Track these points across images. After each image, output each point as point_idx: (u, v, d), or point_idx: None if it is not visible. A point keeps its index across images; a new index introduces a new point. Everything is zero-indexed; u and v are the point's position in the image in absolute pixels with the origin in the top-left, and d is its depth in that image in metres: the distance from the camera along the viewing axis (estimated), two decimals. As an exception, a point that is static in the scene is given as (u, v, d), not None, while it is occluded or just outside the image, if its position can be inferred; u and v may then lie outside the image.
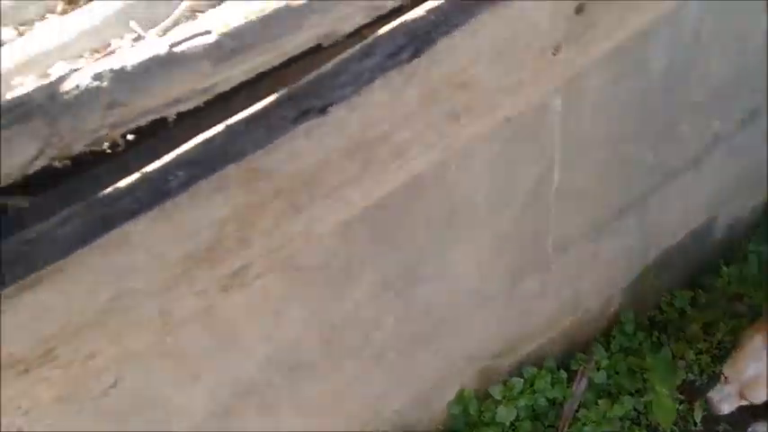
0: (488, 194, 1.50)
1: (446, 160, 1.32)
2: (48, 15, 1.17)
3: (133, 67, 0.93)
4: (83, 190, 0.97)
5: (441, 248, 1.54)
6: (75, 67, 1.06)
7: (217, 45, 0.96)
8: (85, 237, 0.91)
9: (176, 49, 0.94)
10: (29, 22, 1.16)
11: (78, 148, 0.92)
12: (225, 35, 0.96)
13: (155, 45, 0.95)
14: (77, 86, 0.91)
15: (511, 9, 1.09)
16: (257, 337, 1.36)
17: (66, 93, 0.90)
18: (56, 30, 1.11)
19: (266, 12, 0.98)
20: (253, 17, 0.98)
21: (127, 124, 0.94)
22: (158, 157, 0.98)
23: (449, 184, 1.40)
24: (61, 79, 0.92)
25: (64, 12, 1.17)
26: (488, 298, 1.76)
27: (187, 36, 0.95)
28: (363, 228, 1.34)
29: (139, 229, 0.94)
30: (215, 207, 0.99)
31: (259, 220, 1.07)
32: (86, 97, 0.91)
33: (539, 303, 1.91)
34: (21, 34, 1.14)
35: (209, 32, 0.96)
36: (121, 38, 1.10)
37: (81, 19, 1.12)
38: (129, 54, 0.94)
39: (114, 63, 0.93)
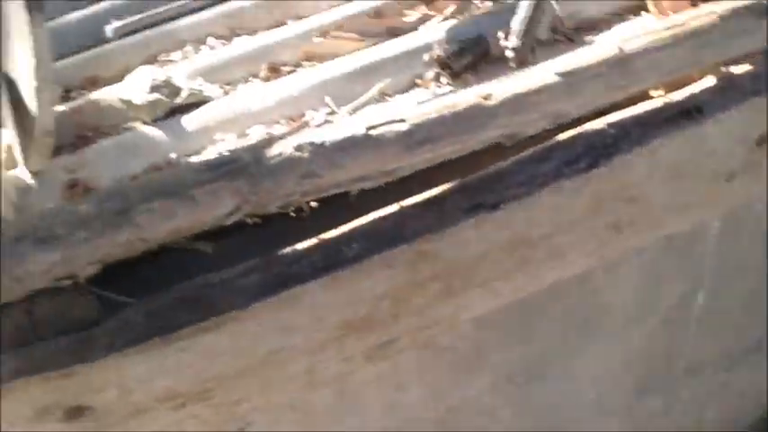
0: (629, 306, 1.47)
1: (596, 267, 1.31)
2: (251, 79, 1.29)
3: (332, 143, 1.00)
4: (264, 246, 1.04)
5: (570, 351, 1.52)
6: (272, 132, 1.16)
7: (408, 134, 1.02)
8: (263, 291, 0.98)
9: (372, 132, 1.01)
10: (233, 83, 1.29)
11: (271, 209, 1.00)
12: (417, 126, 1.02)
13: (352, 125, 1.02)
14: (281, 154, 0.99)
15: (693, 134, 1.10)
16: (379, 407, 1.38)
17: (270, 158, 0.99)
18: (257, 94, 1.22)
19: (458, 108, 1.04)
20: (445, 111, 1.04)
21: (316, 193, 1.01)
22: (336, 226, 1.05)
23: (591, 290, 1.39)
24: (266, 144, 1.01)
25: (266, 78, 1.29)
26: (608, 409, 1.70)
27: (383, 121, 1.02)
28: (499, 318, 1.35)
29: (310, 291, 1.00)
30: (380, 281, 1.04)
31: (414, 299, 1.10)
32: (287, 165, 0.98)
33: (658, 424, 1.83)
34: (225, 93, 1.26)
35: (403, 121, 1.03)
36: (316, 110, 1.20)
37: (281, 88, 1.23)
38: (328, 130, 1.02)
39: (315, 137, 1.00)
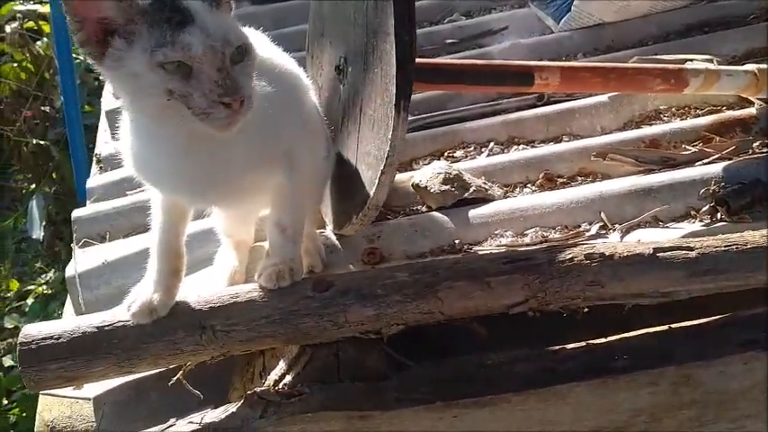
0: None
1: None
2: (528, 185, 1.42)
3: (620, 258, 1.08)
4: (533, 338, 1.13)
5: None
6: (548, 236, 1.27)
7: (695, 262, 1.08)
8: (534, 381, 1.06)
9: (660, 255, 1.08)
10: (511, 185, 1.42)
11: (553, 306, 1.09)
12: (705, 256, 1.08)
13: (641, 246, 1.10)
14: (572, 259, 1.09)
15: None
16: None
17: (562, 262, 1.09)
18: (536, 200, 1.34)
19: (747, 246, 1.08)
20: (733, 247, 1.09)
21: (595, 301, 1.09)
22: (605, 334, 1.12)
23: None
24: (557, 249, 1.11)
25: (541, 186, 1.41)
26: None
27: (671, 246, 1.09)
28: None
29: (577, 391, 1.06)
30: (642, 396, 1.08)
31: (666, 420, 1.13)
32: (576, 270, 1.08)
33: None
34: (505, 194, 1.39)
35: (690, 249, 1.09)
36: (590, 223, 1.29)
37: (558, 197, 1.34)
38: (617, 246, 1.11)
39: (605, 250, 1.09)
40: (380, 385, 1.07)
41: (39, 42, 3.54)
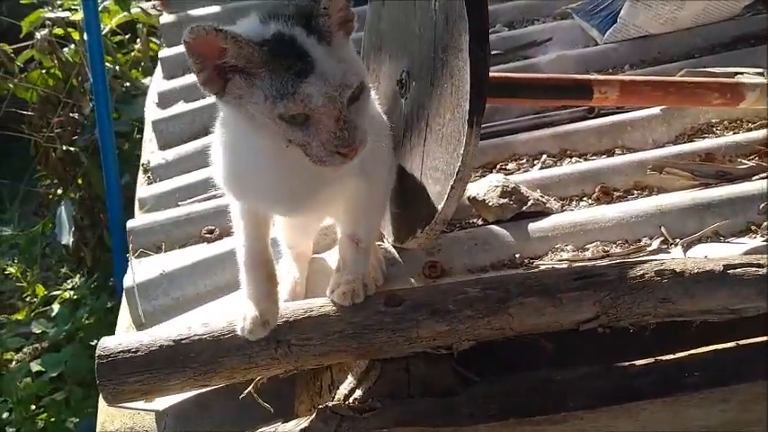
0: None
1: None
2: (584, 198, 1.42)
3: (690, 275, 1.09)
4: (600, 354, 1.13)
5: None
6: (609, 250, 1.27)
7: (766, 279, 1.08)
8: (605, 397, 1.06)
9: (730, 272, 1.08)
10: (567, 199, 1.42)
11: (623, 323, 1.09)
12: (776, 273, 1.08)
13: (711, 262, 1.10)
14: (642, 276, 1.09)
15: None
16: None
17: (633, 278, 1.09)
18: (595, 213, 1.34)
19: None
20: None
21: (665, 317, 1.10)
22: (674, 350, 1.12)
23: None
24: (628, 265, 1.12)
25: (597, 199, 1.41)
26: None
27: (742, 263, 1.09)
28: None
29: (648, 408, 1.06)
30: (713, 414, 1.08)
31: (733, 437, 1.13)
32: (647, 287, 1.08)
33: None
34: (562, 208, 1.40)
35: (761, 266, 1.09)
36: (650, 238, 1.30)
37: (617, 211, 1.34)
38: (688, 262, 1.11)
39: (675, 266, 1.10)
40: (452, 401, 1.07)
41: (65, 49, 3.56)
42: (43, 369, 2.77)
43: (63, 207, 3.38)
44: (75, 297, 3.30)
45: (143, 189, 1.66)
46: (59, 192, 3.70)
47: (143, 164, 1.82)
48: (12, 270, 3.33)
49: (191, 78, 2.03)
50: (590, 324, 1.10)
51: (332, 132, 0.90)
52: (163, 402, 1.15)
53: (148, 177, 1.77)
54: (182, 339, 1.04)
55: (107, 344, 1.04)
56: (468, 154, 1.07)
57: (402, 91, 1.29)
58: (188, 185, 1.63)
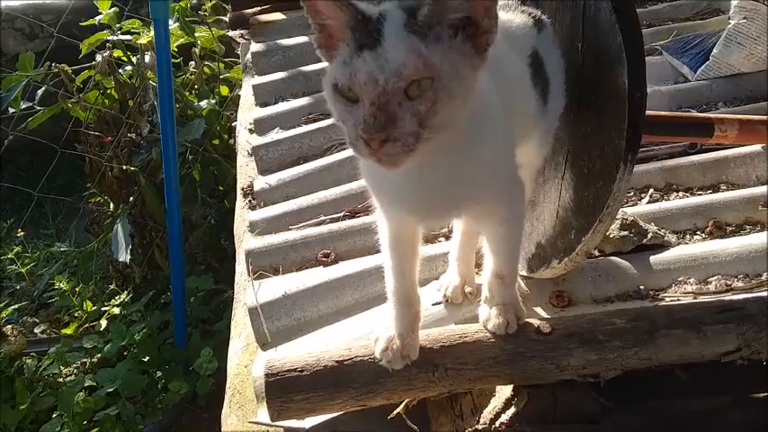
0: None
1: None
2: (697, 232, 1.45)
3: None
4: (731, 385, 1.16)
5: None
6: (731, 284, 1.30)
7: None
8: (751, 428, 1.09)
9: None
10: (681, 233, 1.46)
11: (762, 356, 1.12)
12: None
13: None
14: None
15: None
16: None
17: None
18: (713, 247, 1.37)
19: None
20: None
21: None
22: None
23: None
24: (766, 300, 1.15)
25: (710, 233, 1.45)
26: None
27: None
28: None
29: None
30: None
31: None
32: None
33: None
34: (678, 241, 1.43)
35: None
36: (771, 272, 1.33)
37: (735, 245, 1.37)
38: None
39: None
40: (596, 428, 1.10)
41: (120, 69, 3.64)
42: (95, 384, 2.78)
43: (120, 225, 3.42)
44: (123, 313, 3.33)
45: (255, 213, 1.70)
46: (111, 209, 3.75)
47: (242, 188, 1.87)
48: (63, 286, 3.36)
49: (285, 106, 2.09)
50: (732, 356, 1.12)
51: (364, 115, 0.85)
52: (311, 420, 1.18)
53: (249, 201, 1.81)
54: (344, 360, 1.08)
55: (274, 363, 1.07)
56: (621, 189, 1.11)
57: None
58: (299, 210, 1.67)
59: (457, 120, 0.90)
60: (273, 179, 1.81)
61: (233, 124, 2.85)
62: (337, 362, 1.07)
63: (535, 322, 1.13)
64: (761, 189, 1.51)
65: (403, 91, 0.86)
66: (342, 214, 1.67)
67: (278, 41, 2.35)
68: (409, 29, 0.87)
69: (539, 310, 1.32)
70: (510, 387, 1.15)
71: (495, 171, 1.03)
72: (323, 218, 1.65)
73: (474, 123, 0.93)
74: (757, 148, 1.61)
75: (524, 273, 1.35)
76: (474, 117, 0.92)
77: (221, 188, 3.45)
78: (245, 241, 1.62)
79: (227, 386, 1.44)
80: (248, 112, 2.14)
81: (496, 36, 0.89)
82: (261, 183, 1.81)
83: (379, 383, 1.07)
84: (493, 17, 0.88)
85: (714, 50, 1.84)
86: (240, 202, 1.85)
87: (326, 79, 0.92)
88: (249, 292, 1.47)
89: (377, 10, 0.90)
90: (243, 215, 1.78)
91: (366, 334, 1.24)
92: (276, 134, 1.96)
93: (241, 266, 1.59)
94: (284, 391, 1.05)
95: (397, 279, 1.12)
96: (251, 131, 2.05)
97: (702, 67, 1.86)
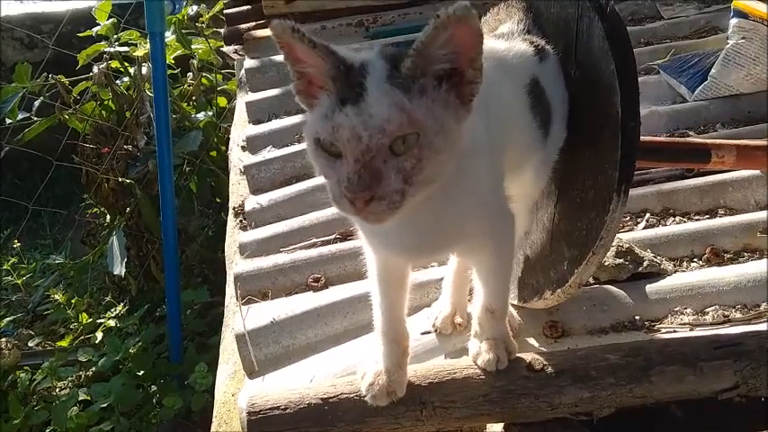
0: None
1: None
2: (695, 259, 1.42)
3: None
4: (723, 422, 1.13)
5: None
6: (729, 315, 1.27)
7: None
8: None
9: None
10: (678, 260, 1.43)
11: (761, 393, 1.09)
12: None
13: None
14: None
15: None
16: None
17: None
18: (711, 276, 1.34)
19: None
20: None
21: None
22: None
23: None
24: (764, 336, 1.12)
25: (708, 261, 1.42)
26: None
27: None
28: None
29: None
30: None
31: None
32: (788, 358, 1.08)
33: None
34: (674, 269, 1.40)
35: None
36: (770, 303, 1.30)
37: (732, 274, 1.34)
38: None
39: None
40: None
41: (117, 81, 3.61)
42: (89, 398, 2.75)
43: (115, 237, 3.40)
44: (118, 326, 3.30)
45: (245, 235, 1.67)
46: (107, 221, 3.72)
47: (233, 207, 1.84)
48: (59, 298, 3.34)
49: (278, 124, 2.06)
50: (729, 393, 1.09)
51: (347, 173, 0.82)
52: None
53: (241, 221, 1.78)
54: (329, 398, 1.05)
55: (256, 401, 1.04)
56: (614, 221, 1.08)
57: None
58: (290, 231, 1.64)
59: (443, 174, 0.87)
60: (265, 199, 1.78)
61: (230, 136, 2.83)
62: (322, 399, 1.05)
63: (527, 357, 1.10)
64: (760, 215, 1.48)
65: (388, 147, 0.83)
66: (333, 236, 1.64)
67: (272, 57, 2.32)
68: (392, 81, 0.84)
69: (531, 340, 1.29)
70: (500, 424, 1.12)
71: (482, 206, 1.00)
72: (314, 240, 1.62)
73: (458, 161, 0.90)
74: (756, 171, 1.58)
75: (516, 302, 1.32)
76: (459, 155, 0.89)
77: (218, 200, 3.43)
78: (234, 263, 1.60)
79: (215, 414, 1.42)
80: (242, 129, 2.12)
81: (481, 86, 0.86)
82: (252, 203, 1.78)
83: (364, 422, 1.04)
84: (478, 68, 0.85)
85: (712, 70, 1.81)
86: (232, 222, 1.82)
87: (308, 131, 0.89)
88: (237, 317, 1.44)
89: (359, 58, 0.87)
90: (234, 235, 1.75)
91: (353, 366, 1.21)
92: (268, 153, 1.94)
93: (231, 289, 1.57)
94: (266, 429, 1.02)
95: (384, 315, 1.09)
96: (243, 149, 2.02)
97: (700, 87, 1.83)
